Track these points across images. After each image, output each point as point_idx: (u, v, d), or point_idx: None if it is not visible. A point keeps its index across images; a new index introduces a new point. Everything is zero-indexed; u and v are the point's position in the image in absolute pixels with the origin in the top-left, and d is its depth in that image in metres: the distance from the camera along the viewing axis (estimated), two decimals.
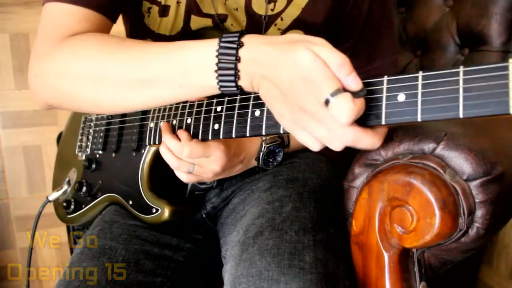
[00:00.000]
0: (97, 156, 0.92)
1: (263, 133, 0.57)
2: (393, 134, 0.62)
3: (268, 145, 0.76)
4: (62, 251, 1.75)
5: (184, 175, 0.72)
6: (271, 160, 0.79)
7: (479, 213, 0.56)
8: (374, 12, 0.80)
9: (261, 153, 0.76)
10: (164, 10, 0.79)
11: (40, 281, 1.74)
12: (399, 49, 1.19)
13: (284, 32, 0.77)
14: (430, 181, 0.55)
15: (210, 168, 0.69)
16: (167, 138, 0.70)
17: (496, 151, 0.58)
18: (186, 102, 0.71)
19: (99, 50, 0.59)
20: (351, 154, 0.72)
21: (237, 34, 0.51)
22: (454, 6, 1.07)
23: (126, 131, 0.86)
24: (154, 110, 0.80)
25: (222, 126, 0.63)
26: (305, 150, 0.86)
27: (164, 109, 0.77)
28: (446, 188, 0.55)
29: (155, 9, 0.80)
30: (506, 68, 0.40)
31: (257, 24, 0.77)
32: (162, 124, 0.72)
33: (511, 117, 0.40)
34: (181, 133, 0.69)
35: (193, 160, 0.69)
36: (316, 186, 0.76)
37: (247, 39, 0.51)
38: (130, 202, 0.82)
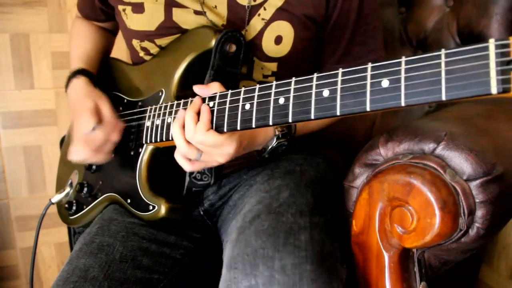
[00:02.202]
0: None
1: (290, 120, 0.55)
2: (393, 134, 0.63)
3: (279, 141, 0.75)
4: (63, 251, 1.75)
5: (187, 164, 0.70)
6: (274, 153, 0.78)
7: (479, 213, 0.56)
8: (363, 16, 0.80)
9: (271, 147, 0.75)
10: (137, 7, 0.80)
11: (40, 281, 1.75)
12: (399, 49, 1.19)
13: (268, 22, 0.77)
14: (430, 181, 0.55)
15: (217, 159, 0.68)
16: (188, 113, 0.66)
17: (496, 151, 0.58)
18: (185, 97, 0.71)
19: (75, 31, 1.05)
20: (347, 153, 0.72)
21: None
22: (454, 6, 1.07)
23: (124, 131, 0.86)
24: (151, 109, 0.80)
25: (214, 120, 0.64)
26: (311, 137, 0.86)
27: (160, 108, 0.77)
28: (446, 188, 0.55)
29: (129, 9, 0.82)
30: (486, 48, 0.40)
31: (240, 15, 0.77)
32: (195, 100, 0.68)
33: (493, 97, 0.40)
34: (204, 114, 0.65)
35: (202, 148, 0.67)
36: (313, 177, 0.77)
37: None
38: (129, 201, 0.83)
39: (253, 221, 0.65)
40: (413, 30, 1.16)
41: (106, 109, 0.84)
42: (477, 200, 0.56)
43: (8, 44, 1.58)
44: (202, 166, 0.71)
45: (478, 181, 0.55)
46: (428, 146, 0.58)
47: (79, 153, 0.82)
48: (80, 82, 0.89)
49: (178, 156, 0.70)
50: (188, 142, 0.67)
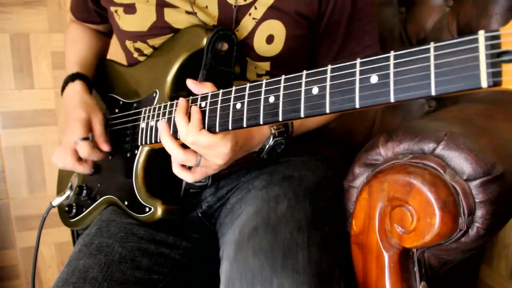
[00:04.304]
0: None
1: (280, 119, 0.55)
2: (393, 134, 0.63)
3: (276, 139, 0.74)
4: (63, 251, 1.75)
5: (188, 175, 0.70)
6: (272, 152, 0.77)
7: (479, 213, 0.56)
8: (357, 10, 0.80)
9: (268, 146, 0.74)
10: (129, 8, 0.81)
11: (40, 281, 1.75)
12: (399, 49, 1.19)
13: (260, 22, 0.77)
14: (430, 181, 0.55)
15: (215, 161, 0.67)
16: (178, 116, 0.65)
17: (496, 151, 0.58)
18: (179, 98, 0.71)
19: (70, 35, 1.05)
20: (347, 153, 0.71)
21: None
22: (454, 6, 1.07)
23: (120, 133, 0.86)
24: (145, 110, 0.80)
25: (207, 121, 0.64)
26: (306, 136, 0.86)
27: (154, 109, 0.77)
28: (446, 188, 0.55)
29: (121, 10, 0.82)
30: (476, 40, 0.38)
31: (231, 15, 0.77)
32: (179, 102, 0.68)
33: (483, 91, 0.39)
34: (194, 114, 0.65)
35: (197, 149, 0.66)
36: (312, 184, 0.76)
37: None
38: (126, 203, 0.83)
39: (250, 237, 0.65)
40: (413, 30, 1.16)
41: (97, 124, 0.85)
42: (477, 200, 0.55)
43: (8, 44, 1.58)
44: (204, 173, 0.70)
45: (478, 181, 0.55)
46: (428, 146, 0.58)
47: (62, 159, 0.83)
48: (76, 87, 0.89)
49: (177, 170, 0.69)
50: (184, 148, 0.66)
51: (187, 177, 0.70)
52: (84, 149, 0.81)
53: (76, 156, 0.82)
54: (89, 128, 0.84)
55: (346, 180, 0.69)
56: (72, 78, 0.90)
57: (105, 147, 0.84)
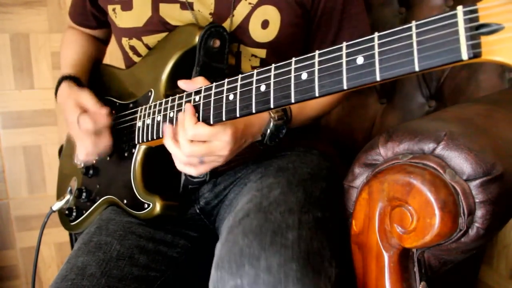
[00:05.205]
0: (94, 162, 0.94)
1: (272, 106, 0.56)
2: (393, 134, 0.63)
3: (276, 123, 0.74)
4: (63, 251, 1.75)
5: (192, 169, 0.69)
6: (275, 137, 0.76)
7: (479, 213, 0.56)
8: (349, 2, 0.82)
9: (269, 130, 0.74)
10: (126, 5, 0.82)
11: (40, 281, 1.75)
12: None
13: (255, 7, 0.78)
14: (430, 181, 0.55)
15: (220, 153, 0.67)
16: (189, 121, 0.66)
17: (496, 151, 0.58)
18: (175, 95, 0.72)
19: (65, 40, 1.06)
20: (347, 153, 0.71)
21: None
22: (454, 6, 1.07)
23: (117, 134, 0.87)
24: (141, 109, 0.81)
25: (212, 111, 0.64)
26: (304, 132, 0.86)
27: (150, 107, 0.78)
28: (446, 188, 0.55)
29: (118, 7, 0.84)
30: (455, 15, 0.40)
31: (227, 1, 0.78)
32: (186, 106, 0.69)
33: (464, 63, 0.40)
34: (186, 110, 0.66)
35: (200, 151, 0.66)
36: (305, 174, 0.77)
37: None
38: (125, 201, 0.84)
39: (242, 220, 0.65)
40: None
41: (86, 100, 0.84)
42: (477, 200, 0.55)
43: (8, 44, 1.58)
44: (211, 166, 0.70)
45: (478, 181, 0.55)
46: (428, 146, 0.58)
47: (83, 148, 0.83)
48: (64, 89, 0.90)
49: (181, 166, 0.70)
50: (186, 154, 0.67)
51: (192, 171, 0.70)
52: (88, 125, 0.80)
53: (90, 137, 0.82)
54: (82, 108, 0.84)
55: (346, 180, 0.69)
56: (60, 82, 0.91)
57: (104, 109, 0.83)
